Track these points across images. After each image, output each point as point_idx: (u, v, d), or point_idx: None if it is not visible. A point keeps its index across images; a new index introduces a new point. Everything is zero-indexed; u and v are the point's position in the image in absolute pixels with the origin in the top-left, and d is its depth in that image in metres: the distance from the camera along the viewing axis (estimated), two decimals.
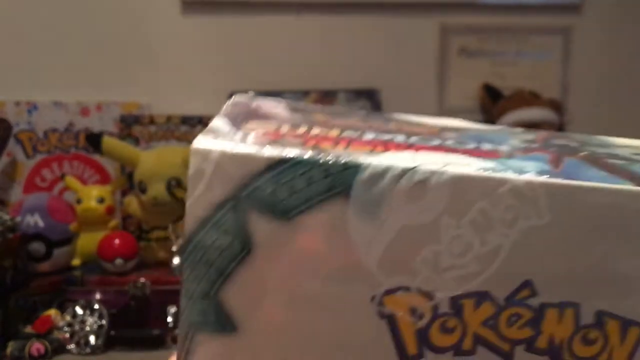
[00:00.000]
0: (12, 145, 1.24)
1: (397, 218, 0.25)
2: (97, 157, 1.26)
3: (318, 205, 0.25)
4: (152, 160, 1.11)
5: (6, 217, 1.02)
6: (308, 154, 0.25)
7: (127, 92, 1.29)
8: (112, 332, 0.98)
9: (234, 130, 0.26)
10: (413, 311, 0.25)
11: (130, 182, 1.17)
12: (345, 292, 0.25)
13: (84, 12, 1.29)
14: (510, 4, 1.35)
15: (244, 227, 0.25)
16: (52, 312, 0.98)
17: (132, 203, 1.14)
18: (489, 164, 0.25)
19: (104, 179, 1.28)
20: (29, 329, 0.97)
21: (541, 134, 0.32)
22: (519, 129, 0.34)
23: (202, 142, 0.25)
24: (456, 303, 0.25)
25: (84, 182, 1.23)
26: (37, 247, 1.09)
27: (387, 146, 0.26)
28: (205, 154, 0.25)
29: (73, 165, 1.28)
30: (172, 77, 1.31)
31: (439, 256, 0.25)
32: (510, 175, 0.25)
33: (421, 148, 0.27)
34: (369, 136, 0.27)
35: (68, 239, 1.12)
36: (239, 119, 0.28)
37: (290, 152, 0.25)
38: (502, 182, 0.25)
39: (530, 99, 1.31)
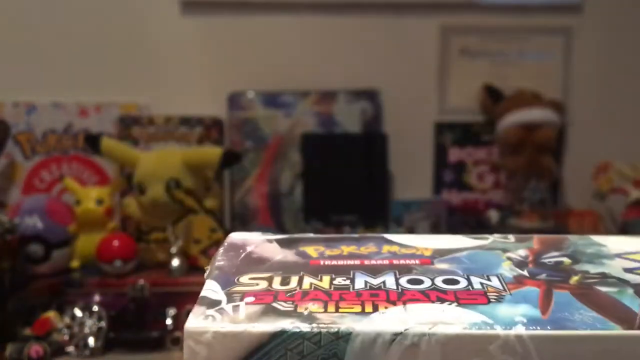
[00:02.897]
0: (10, 147, 1.24)
1: None
2: (95, 159, 1.26)
3: None
4: (151, 161, 1.11)
5: (5, 218, 1.02)
6: (298, 326, 0.25)
7: (125, 93, 1.28)
8: (111, 334, 0.97)
9: (226, 298, 0.27)
10: None
11: (129, 184, 1.16)
12: None
13: (82, 12, 1.28)
14: (511, 4, 1.35)
15: None
16: (51, 314, 0.97)
17: (131, 204, 1.14)
18: (478, 316, 0.25)
19: (103, 180, 1.27)
20: (27, 331, 0.96)
21: (534, 246, 0.33)
22: (512, 237, 0.35)
23: (194, 321, 0.26)
24: None
25: (82, 183, 1.23)
26: (36, 248, 1.09)
27: (376, 300, 0.27)
28: (197, 336, 0.25)
29: (72, 166, 1.27)
30: (171, 77, 1.31)
31: None
32: (499, 330, 0.25)
33: (411, 297, 0.27)
34: (360, 283, 0.28)
35: (67, 241, 1.11)
36: (232, 276, 0.29)
37: (281, 325, 0.25)
38: (492, 338, 0.25)
39: (531, 99, 1.31)
